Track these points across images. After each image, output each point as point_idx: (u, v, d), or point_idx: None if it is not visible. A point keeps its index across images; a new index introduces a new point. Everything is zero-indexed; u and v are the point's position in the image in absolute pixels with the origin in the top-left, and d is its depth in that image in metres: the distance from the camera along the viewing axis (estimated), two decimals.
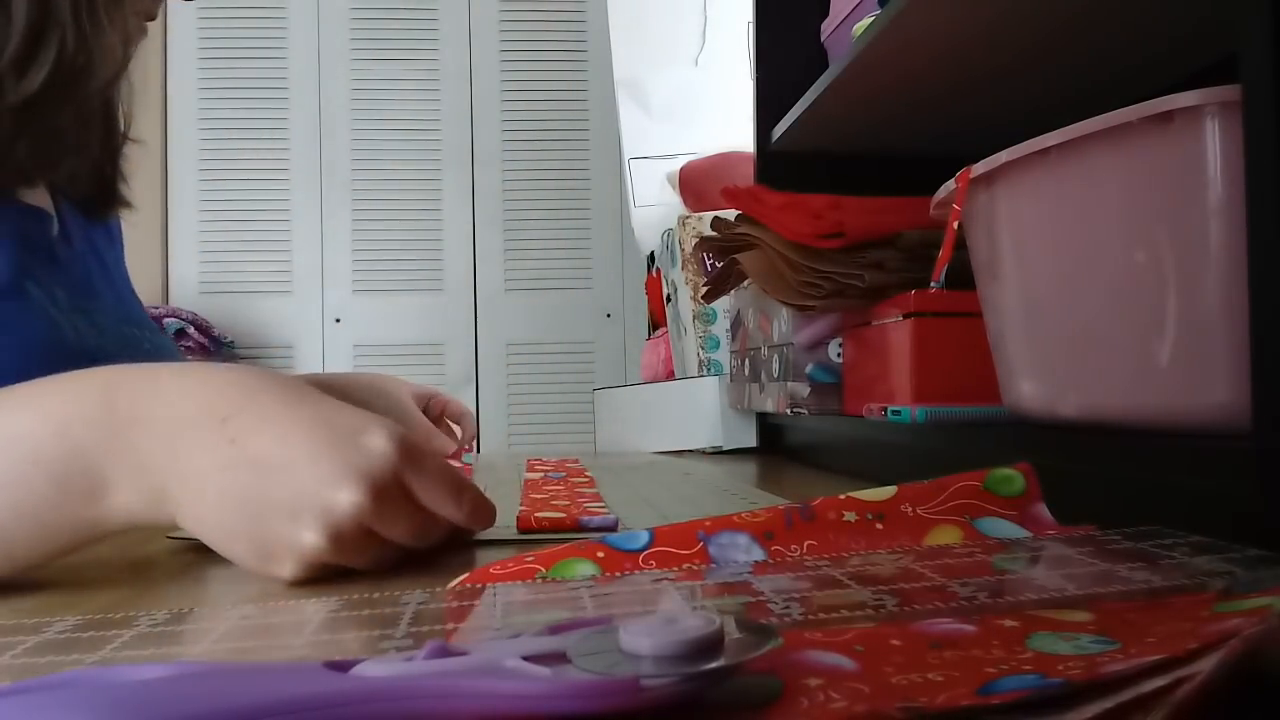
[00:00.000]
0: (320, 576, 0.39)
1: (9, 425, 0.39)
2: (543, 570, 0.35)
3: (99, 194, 0.73)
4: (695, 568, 0.35)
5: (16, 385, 0.41)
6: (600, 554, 0.36)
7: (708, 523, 0.38)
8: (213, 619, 0.31)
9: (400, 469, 0.39)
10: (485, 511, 0.44)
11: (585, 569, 0.35)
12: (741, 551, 0.37)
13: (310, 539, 0.38)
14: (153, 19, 0.66)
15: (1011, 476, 0.40)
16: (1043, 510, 0.40)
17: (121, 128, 0.73)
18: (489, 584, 0.34)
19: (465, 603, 0.31)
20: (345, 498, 0.38)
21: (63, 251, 0.68)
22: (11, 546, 0.39)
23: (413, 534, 0.41)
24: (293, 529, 0.38)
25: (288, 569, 0.38)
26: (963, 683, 0.21)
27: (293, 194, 2.54)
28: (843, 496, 0.40)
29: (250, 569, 0.39)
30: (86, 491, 0.38)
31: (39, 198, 0.67)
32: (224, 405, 0.39)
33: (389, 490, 0.39)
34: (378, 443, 0.39)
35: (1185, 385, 0.41)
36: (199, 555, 0.45)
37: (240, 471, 0.38)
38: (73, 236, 0.70)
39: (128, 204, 0.76)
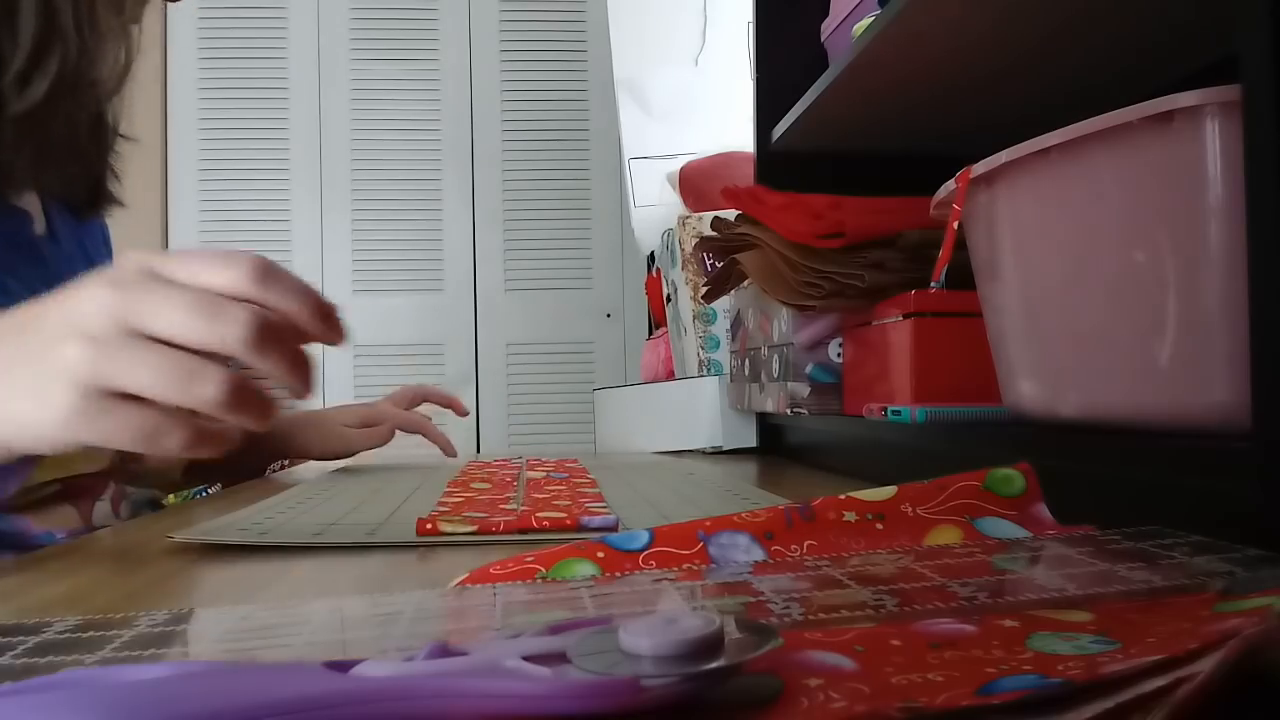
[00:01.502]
0: (321, 580, 0.39)
1: None
2: (543, 570, 0.35)
3: (89, 193, 0.73)
4: (695, 568, 0.35)
5: None
6: (600, 554, 0.36)
7: (708, 523, 0.38)
8: (213, 619, 0.31)
9: (120, 308, 0.36)
10: (267, 335, 0.38)
11: (585, 569, 0.35)
12: (741, 551, 0.37)
13: (68, 352, 0.36)
14: (139, 21, 0.66)
15: (1011, 476, 0.40)
16: (1043, 510, 0.40)
17: (112, 124, 0.73)
18: (489, 584, 0.34)
19: (465, 603, 0.31)
20: (86, 299, 0.36)
21: (49, 250, 0.68)
22: None
23: (168, 380, 0.36)
24: (54, 351, 0.36)
25: (62, 398, 0.36)
26: (963, 683, 0.21)
27: (293, 194, 2.54)
28: (842, 496, 0.40)
29: (35, 423, 0.37)
30: None
31: (25, 198, 0.68)
32: None
33: (112, 335, 0.36)
34: (87, 293, 0.37)
35: (1185, 385, 0.41)
36: (199, 555, 0.45)
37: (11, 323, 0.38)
38: (61, 237, 0.70)
39: (118, 202, 0.75)
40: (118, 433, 0.37)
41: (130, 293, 0.36)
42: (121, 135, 0.74)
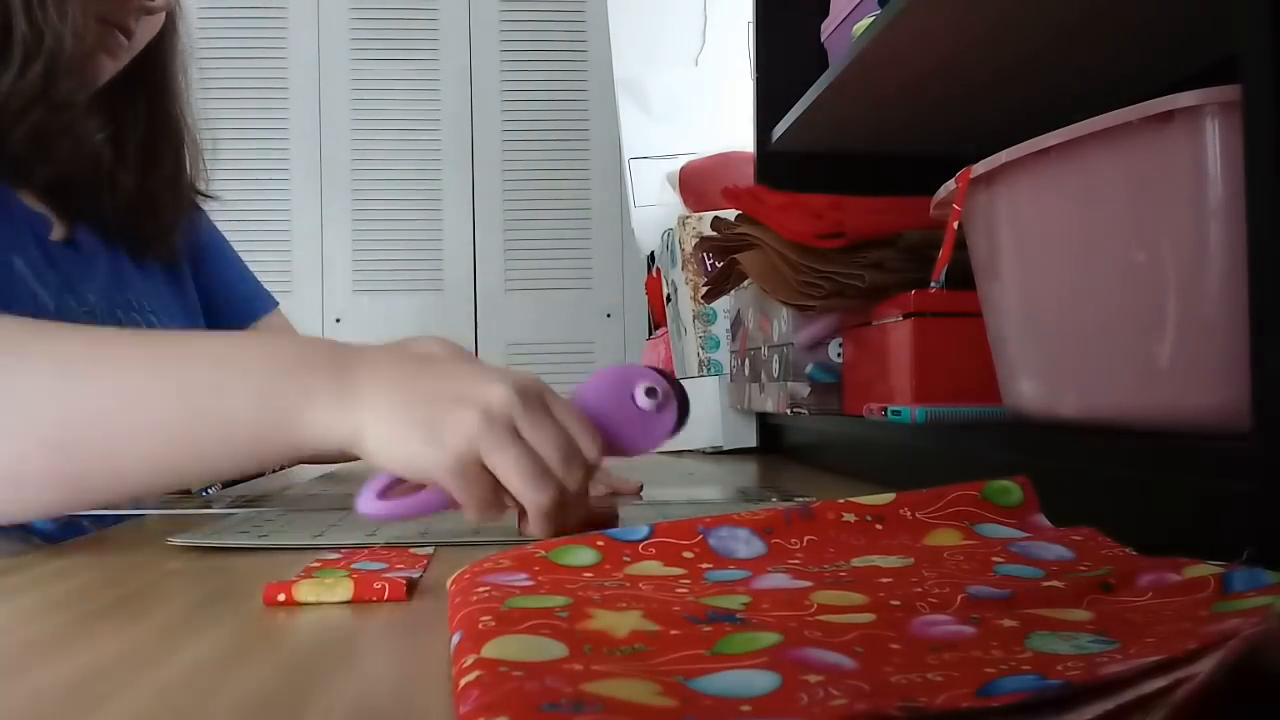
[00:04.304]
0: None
1: (222, 347, 0.48)
2: (542, 552, 0.35)
3: (143, 235, 0.75)
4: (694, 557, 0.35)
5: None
6: (600, 543, 0.36)
7: (707, 519, 0.38)
8: None
9: (518, 412, 0.44)
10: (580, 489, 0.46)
11: (585, 556, 0.36)
12: (742, 544, 0.37)
13: (469, 418, 0.43)
14: (126, 32, 0.67)
15: (1009, 488, 0.41)
16: (1041, 520, 0.40)
17: (186, 174, 0.77)
18: (489, 574, 0.34)
19: (466, 596, 0.31)
20: (498, 389, 0.44)
21: (62, 257, 0.68)
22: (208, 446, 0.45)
23: (525, 477, 0.43)
24: (455, 408, 0.43)
25: (447, 451, 0.42)
26: (962, 683, 0.21)
27: (293, 194, 2.54)
28: (841, 501, 0.40)
29: (415, 455, 0.43)
30: (289, 404, 0.45)
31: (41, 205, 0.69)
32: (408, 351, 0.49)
33: (502, 424, 0.43)
34: (498, 386, 0.45)
35: (1185, 385, 0.41)
36: (200, 555, 0.45)
37: (410, 365, 0.47)
38: (86, 253, 0.71)
39: (170, 252, 0.78)
40: (468, 493, 0.44)
41: (528, 404, 0.44)
42: (200, 192, 0.77)
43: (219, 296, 0.88)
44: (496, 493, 0.44)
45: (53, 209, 0.69)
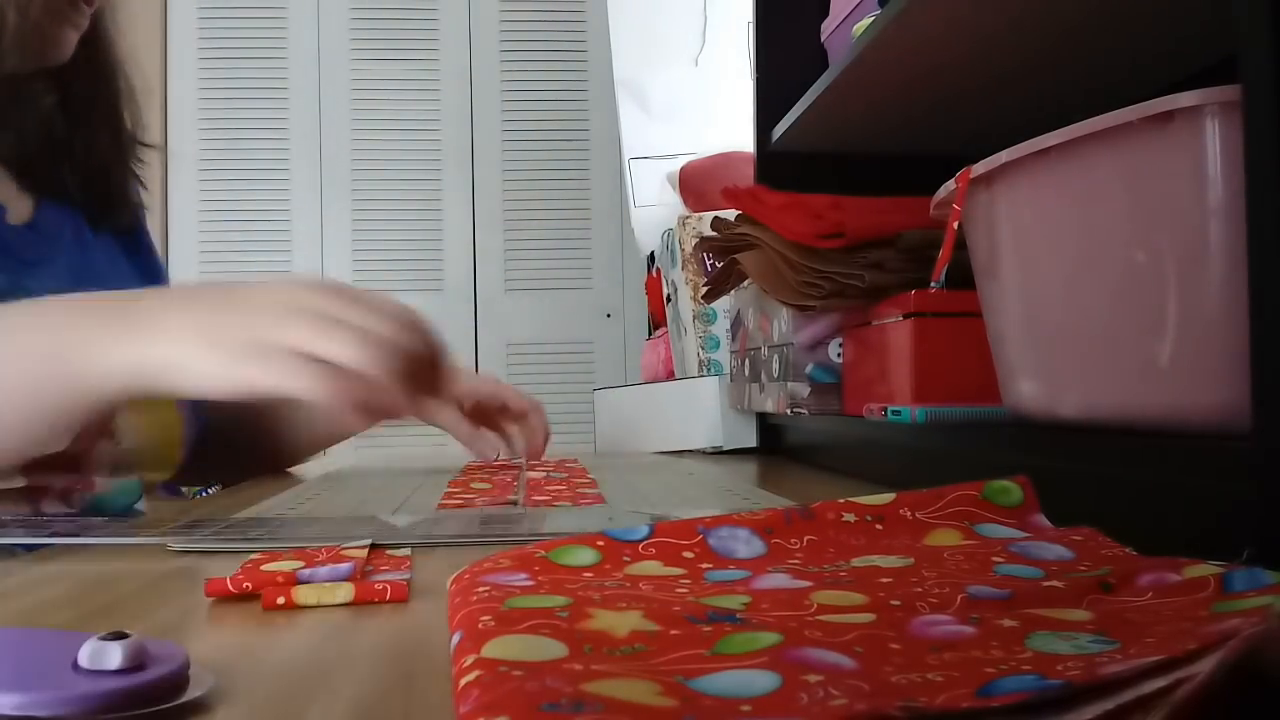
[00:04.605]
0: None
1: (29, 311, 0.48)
2: (542, 552, 0.35)
3: (101, 201, 0.73)
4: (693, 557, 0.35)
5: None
6: (600, 543, 0.36)
7: (707, 519, 0.38)
8: None
9: (331, 304, 0.45)
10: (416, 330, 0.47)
11: (585, 556, 0.36)
12: (742, 543, 0.37)
13: (280, 317, 0.43)
14: (87, 1, 0.65)
15: (1009, 488, 0.41)
16: (1041, 520, 0.40)
17: (128, 128, 0.73)
18: (489, 574, 0.34)
19: (466, 596, 0.31)
20: (298, 288, 0.44)
21: (17, 239, 0.67)
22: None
23: (359, 352, 0.43)
24: (263, 314, 0.44)
25: (272, 354, 0.43)
26: (962, 683, 0.21)
27: (293, 194, 2.54)
28: (841, 501, 0.40)
29: (237, 370, 0.44)
30: (80, 345, 0.45)
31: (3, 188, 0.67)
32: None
33: (337, 291, 0.45)
34: (301, 288, 0.46)
35: (1185, 385, 0.41)
36: (201, 555, 0.45)
37: (216, 292, 0.47)
38: (47, 233, 0.69)
39: (134, 212, 0.76)
40: (313, 387, 0.44)
41: (334, 292, 0.45)
42: (142, 143, 0.75)
43: None
44: (342, 379, 0.43)
45: (15, 185, 0.68)
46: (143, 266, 0.79)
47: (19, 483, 0.63)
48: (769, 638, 0.25)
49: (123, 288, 0.73)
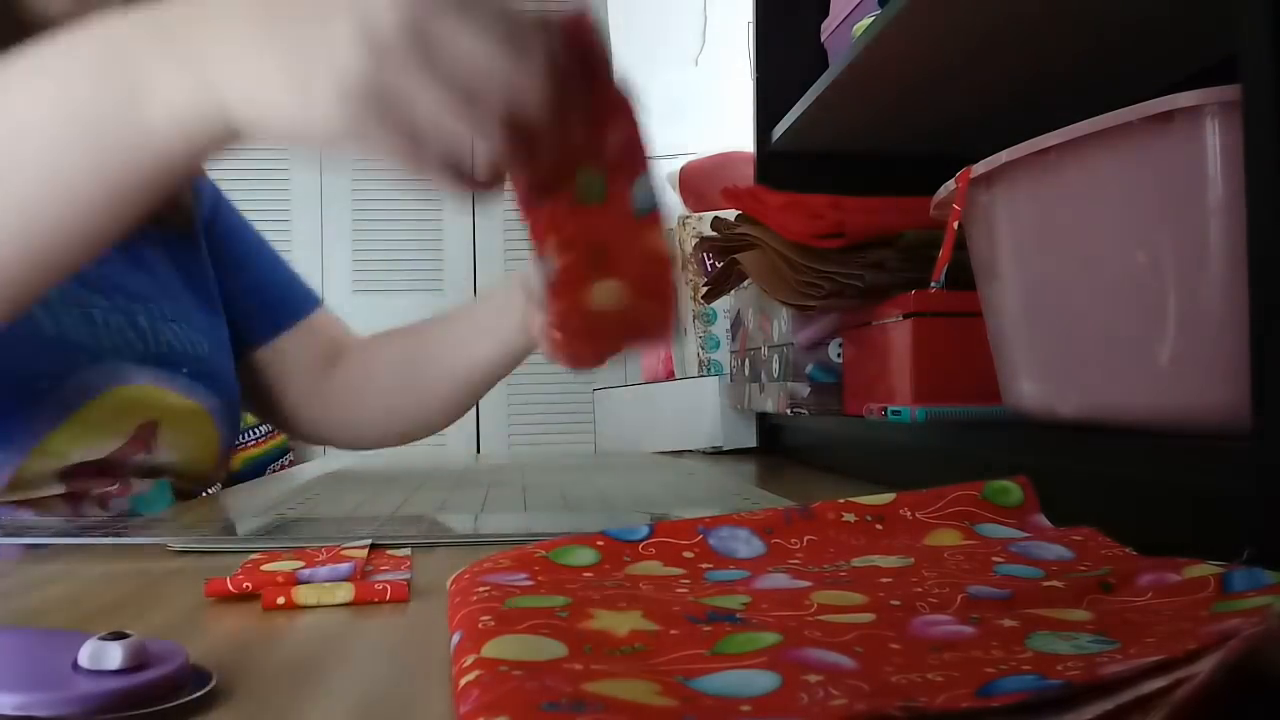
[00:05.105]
0: None
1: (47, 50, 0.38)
2: (542, 552, 0.35)
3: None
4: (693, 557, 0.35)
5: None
6: (600, 543, 0.36)
7: (707, 519, 0.38)
8: None
9: (419, 16, 0.32)
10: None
11: (585, 556, 0.36)
12: (742, 543, 0.37)
13: (347, 50, 0.31)
14: None
15: (1009, 488, 0.41)
16: (1041, 520, 0.40)
17: None
18: (489, 574, 0.34)
19: (466, 595, 0.31)
20: (347, 55, 0.31)
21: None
22: (67, 175, 0.37)
23: (475, 73, 0.32)
24: (329, 39, 0.32)
25: (325, 98, 0.32)
26: (962, 683, 0.21)
27: (293, 194, 2.54)
28: (841, 501, 0.40)
29: (290, 117, 0.34)
30: (127, 90, 0.36)
31: None
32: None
33: (400, 47, 0.31)
34: None
35: (1185, 385, 0.41)
36: (201, 555, 0.45)
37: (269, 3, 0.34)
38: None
39: (185, 219, 0.75)
40: (382, 143, 0.33)
41: (433, 5, 0.32)
42: None
43: (241, 304, 0.83)
44: (418, 137, 0.33)
45: None
46: (194, 284, 0.78)
47: (58, 489, 0.63)
48: (769, 638, 0.25)
49: (180, 322, 0.72)
